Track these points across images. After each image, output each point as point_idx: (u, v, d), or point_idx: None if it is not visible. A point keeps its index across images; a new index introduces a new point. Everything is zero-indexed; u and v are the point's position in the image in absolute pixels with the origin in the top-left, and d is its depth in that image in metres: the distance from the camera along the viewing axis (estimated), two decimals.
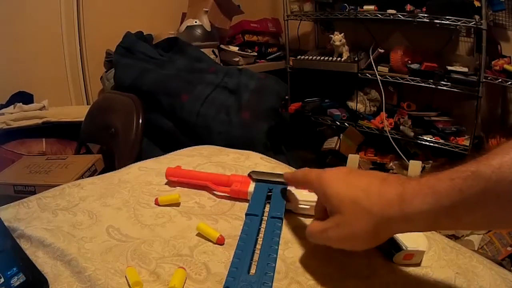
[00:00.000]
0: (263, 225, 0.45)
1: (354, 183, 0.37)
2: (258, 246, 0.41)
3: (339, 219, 0.37)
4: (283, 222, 0.46)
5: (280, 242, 0.43)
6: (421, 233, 0.44)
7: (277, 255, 0.40)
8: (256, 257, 0.39)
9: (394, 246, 0.42)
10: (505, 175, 0.28)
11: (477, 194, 0.29)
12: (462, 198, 0.30)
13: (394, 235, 0.43)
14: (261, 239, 0.42)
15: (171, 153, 0.75)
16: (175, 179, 0.58)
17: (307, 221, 0.49)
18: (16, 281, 0.35)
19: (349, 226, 0.36)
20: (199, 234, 0.46)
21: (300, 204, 0.50)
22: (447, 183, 0.31)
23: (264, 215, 0.47)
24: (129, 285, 0.37)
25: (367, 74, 1.78)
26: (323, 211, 0.41)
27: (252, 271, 0.38)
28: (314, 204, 0.47)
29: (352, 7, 1.76)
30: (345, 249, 0.38)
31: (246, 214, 0.47)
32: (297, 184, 0.48)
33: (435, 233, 0.50)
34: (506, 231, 1.32)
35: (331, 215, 0.38)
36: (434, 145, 1.65)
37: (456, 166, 0.31)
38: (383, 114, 1.77)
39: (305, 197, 0.50)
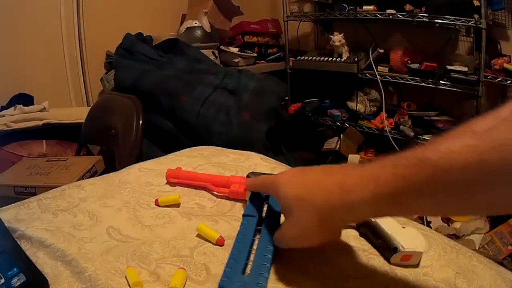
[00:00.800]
0: (260, 226, 0.45)
1: (300, 181, 0.37)
2: (255, 247, 0.41)
3: (290, 220, 0.37)
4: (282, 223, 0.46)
5: None
6: (419, 233, 0.44)
7: (272, 256, 0.40)
8: (252, 257, 0.40)
9: (391, 247, 0.42)
10: (455, 162, 0.26)
11: (422, 181, 0.28)
12: (405, 186, 0.28)
13: (392, 236, 0.43)
14: (258, 240, 0.42)
15: (171, 154, 0.75)
16: (175, 181, 0.59)
17: None
18: (16, 281, 0.35)
19: (298, 224, 0.36)
20: (199, 235, 0.46)
21: None
22: (389, 170, 0.30)
23: (262, 216, 0.47)
24: (129, 285, 0.37)
25: (367, 74, 1.78)
26: None
27: (248, 271, 0.38)
28: None
29: (352, 7, 1.76)
30: (304, 247, 0.38)
31: (243, 215, 0.47)
32: (257, 190, 0.48)
33: (435, 232, 0.50)
34: (506, 230, 1.32)
35: (286, 218, 0.39)
36: None
37: (405, 152, 0.30)
38: (383, 114, 1.77)
39: None
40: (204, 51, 1.78)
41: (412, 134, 1.66)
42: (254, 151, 0.74)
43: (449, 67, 1.58)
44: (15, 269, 0.36)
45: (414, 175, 0.28)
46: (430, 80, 1.60)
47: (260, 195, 0.51)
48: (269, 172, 0.61)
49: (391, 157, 0.31)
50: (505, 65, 1.44)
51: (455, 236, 1.35)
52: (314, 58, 1.94)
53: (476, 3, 1.42)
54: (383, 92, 1.76)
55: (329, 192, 0.34)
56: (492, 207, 0.29)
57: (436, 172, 0.27)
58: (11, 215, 0.51)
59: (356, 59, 1.79)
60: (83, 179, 0.98)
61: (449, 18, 1.50)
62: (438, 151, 0.27)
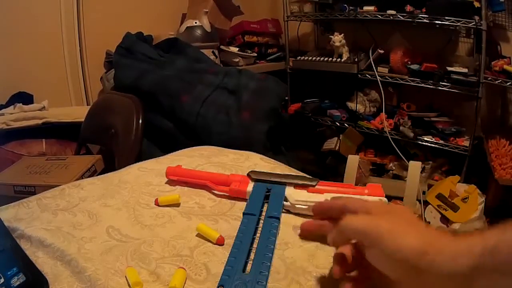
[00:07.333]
0: (261, 225, 0.45)
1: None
2: (255, 245, 0.41)
3: None
4: (282, 222, 0.46)
5: (278, 242, 0.43)
6: None
7: (273, 254, 0.40)
8: (252, 256, 0.40)
9: None
10: None
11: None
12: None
13: None
14: (258, 238, 0.42)
15: (171, 153, 0.75)
16: (175, 178, 0.58)
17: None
18: (16, 281, 0.35)
19: None
20: (199, 235, 0.46)
21: (298, 204, 0.50)
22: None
23: (262, 214, 0.47)
24: (129, 285, 0.37)
25: (367, 75, 1.79)
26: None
27: (248, 270, 0.38)
28: (311, 204, 0.47)
29: (352, 7, 1.76)
30: None
31: (244, 213, 0.47)
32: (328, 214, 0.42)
33: None
34: None
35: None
36: (434, 145, 1.65)
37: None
38: (383, 114, 1.77)
39: (303, 197, 0.50)
40: (204, 51, 1.78)
41: (411, 135, 1.66)
42: (254, 151, 0.74)
43: (449, 68, 1.59)
44: (14, 269, 0.36)
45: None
46: (430, 81, 1.60)
47: (261, 194, 0.51)
48: (269, 171, 0.61)
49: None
50: (505, 66, 1.45)
51: None
52: (314, 58, 1.94)
53: (476, 4, 1.42)
54: (383, 93, 1.76)
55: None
56: None
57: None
58: (10, 214, 0.51)
59: (356, 59, 1.79)
60: (82, 178, 0.97)
61: (450, 19, 1.50)
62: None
